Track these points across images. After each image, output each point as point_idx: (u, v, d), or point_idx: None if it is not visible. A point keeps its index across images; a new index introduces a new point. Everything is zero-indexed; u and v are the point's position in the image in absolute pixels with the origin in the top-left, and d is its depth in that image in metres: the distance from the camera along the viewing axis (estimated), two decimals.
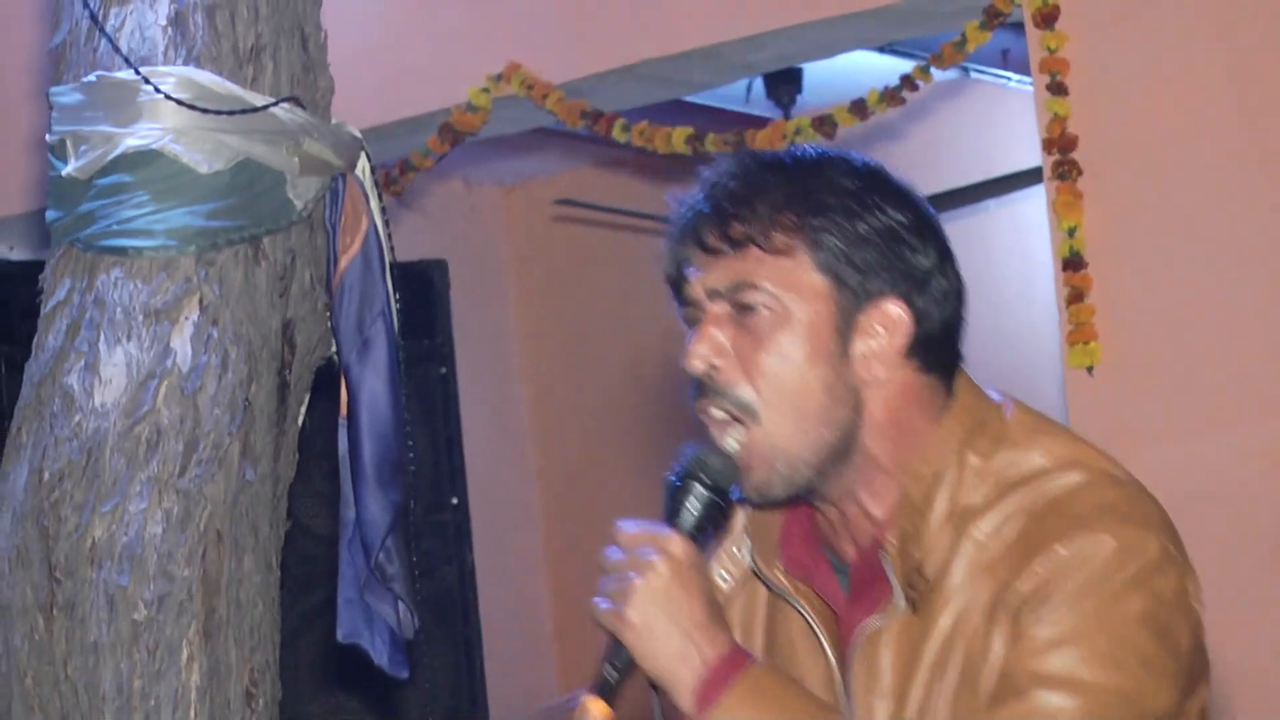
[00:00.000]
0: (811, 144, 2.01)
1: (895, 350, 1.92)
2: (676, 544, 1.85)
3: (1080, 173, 4.20)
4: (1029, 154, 4.70)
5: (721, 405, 1.90)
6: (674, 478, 1.89)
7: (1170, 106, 4.10)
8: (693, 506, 1.88)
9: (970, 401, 1.96)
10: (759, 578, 2.01)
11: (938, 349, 1.95)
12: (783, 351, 1.90)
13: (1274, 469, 3.91)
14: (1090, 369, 4.16)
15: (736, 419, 1.90)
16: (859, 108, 4.72)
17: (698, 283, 1.93)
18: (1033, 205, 4.84)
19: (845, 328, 1.91)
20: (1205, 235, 4.05)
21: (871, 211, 1.92)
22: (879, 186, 1.94)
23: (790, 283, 1.91)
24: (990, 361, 6.32)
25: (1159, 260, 4.10)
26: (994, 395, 1.99)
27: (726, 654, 1.83)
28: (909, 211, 1.94)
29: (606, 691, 1.83)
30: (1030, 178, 5.00)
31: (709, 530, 1.89)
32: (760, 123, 5.01)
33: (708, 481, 1.89)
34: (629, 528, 1.86)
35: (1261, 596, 3.91)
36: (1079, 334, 4.17)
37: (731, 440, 1.90)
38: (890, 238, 1.92)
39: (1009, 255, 6.22)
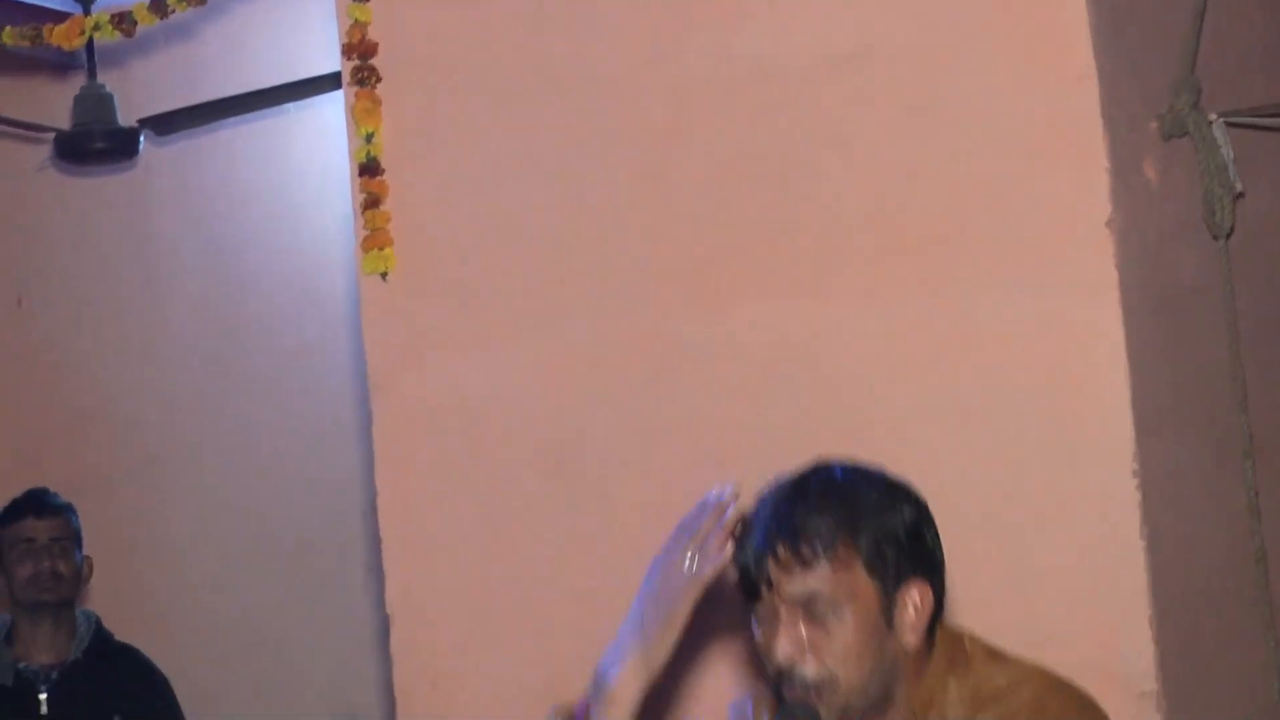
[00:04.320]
0: (836, 462, 2.70)
1: (923, 621, 2.62)
2: None
3: (379, 79, 4.20)
4: (329, 59, 4.67)
5: (804, 687, 2.57)
6: None
7: (470, 16, 4.14)
8: None
9: (946, 637, 2.66)
10: None
11: (941, 612, 2.67)
12: (846, 640, 2.57)
13: (554, 379, 4.01)
14: (384, 275, 4.18)
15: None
16: (159, 6, 4.63)
17: (774, 593, 2.59)
18: (332, 110, 4.82)
19: (888, 609, 2.60)
20: (500, 147, 4.11)
21: (896, 514, 2.61)
22: (893, 491, 2.64)
23: (849, 590, 2.58)
24: (286, 272, 6.31)
25: (455, 169, 4.14)
26: (952, 627, 2.70)
27: None
28: (916, 506, 2.65)
29: None
30: (330, 82, 4.98)
31: None
32: (60, 17, 4.89)
33: None
34: None
35: (540, 503, 4.01)
36: (373, 240, 4.18)
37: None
38: (911, 532, 2.62)
39: (308, 160, 6.20)
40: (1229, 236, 3.87)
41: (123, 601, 6.04)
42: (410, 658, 4.11)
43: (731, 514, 2.68)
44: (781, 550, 2.58)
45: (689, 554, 2.65)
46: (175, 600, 6.43)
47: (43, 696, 5.04)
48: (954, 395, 3.64)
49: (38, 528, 5.14)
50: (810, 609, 2.58)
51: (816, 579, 2.57)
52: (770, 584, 2.59)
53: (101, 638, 5.19)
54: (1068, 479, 3.56)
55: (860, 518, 2.60)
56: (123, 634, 5.29)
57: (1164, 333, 3.71)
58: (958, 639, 2.69)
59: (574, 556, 3.96)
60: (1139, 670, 3.48)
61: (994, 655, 2.68)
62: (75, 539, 5.18)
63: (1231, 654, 3.84)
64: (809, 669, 2.57)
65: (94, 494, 6.00)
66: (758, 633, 2.64)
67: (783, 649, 2.58)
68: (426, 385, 4.13)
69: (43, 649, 5.09)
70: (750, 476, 3.78)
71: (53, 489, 5.33)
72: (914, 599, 2.62)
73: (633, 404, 3.89)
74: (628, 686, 2.66)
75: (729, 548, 2.65)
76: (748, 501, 2.75)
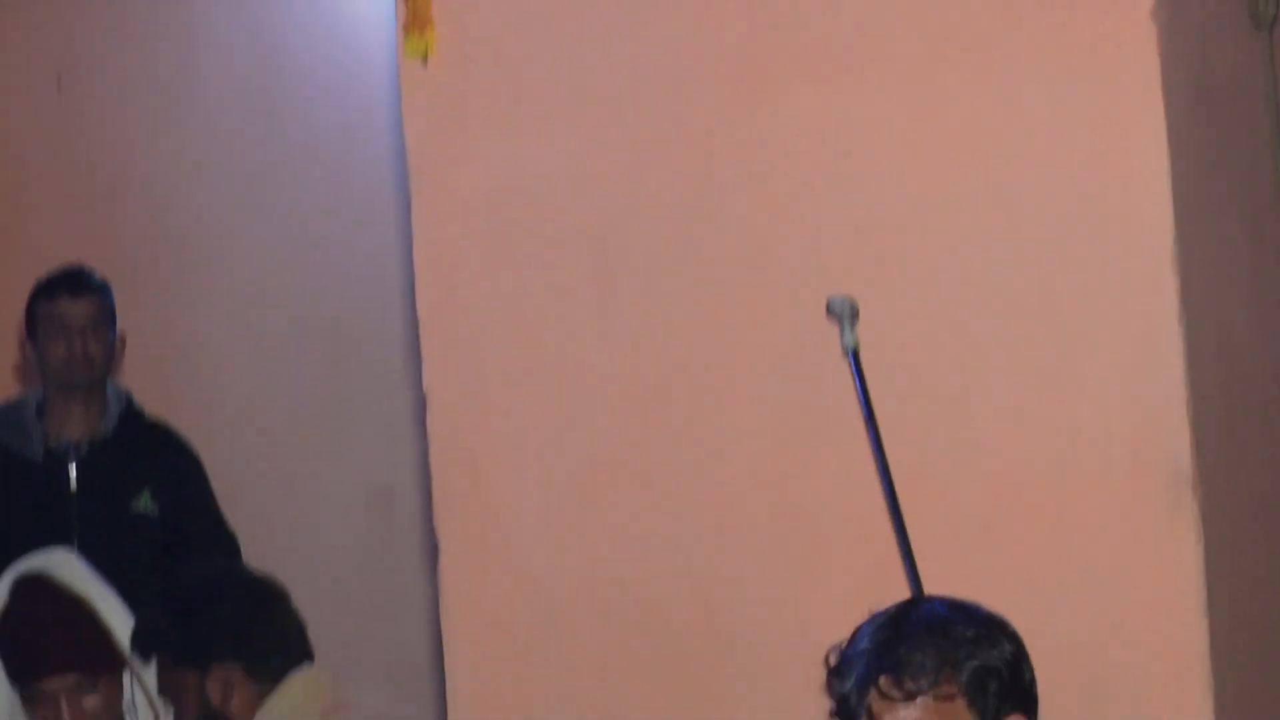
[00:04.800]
0: (935, 598, 2.82)
1: None
2: None
3: None
4: None
5: None
6: None
7: None
8: None
9: None
10: None
11: None
12: None
13: (597, 164, 4.02)
14: (425, 58, 4.17)
15: None
16: None
17: None
18: None
19: None
20: None
21: (997, 649, 2.67)
22: (992, 626, 2.70)
23: None
24: (326, 56, 6.30)
25: None
26: None
27: None
28: (1014, 641, 2.70)
29: None
30: None
31: None
32: None
33: None
34: None
35: (581, 287, 4.03)
36: (415, 22, 4.16)
37: None
38: (1011, 667, 2.67)
39: None
40: (1272, 27, 3.85)
41: (155, 382, 6.09)
42: (447, 437, 4.15)
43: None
44: (885, 683, 2.64)
45: None
46: (209, 379, 6.49)
47: (72, 472, 5.06)
48: (996, 183, 3.65)
49: (72, 307, 5.09)
50: None
51: (918, 711, 2.63)
52: (871, 716, 2.65)
53: (133, 413, 5.19)
54: (1107, 266, 3.59)
55: (961, 651, 2.66)
56: (155, 414, 5.32)
57: (1205, 123, 3.71)
58: None
59: (615, 343, 3.98)
60: (1175, 455, 3.52)
61: None
62: (109, 318, 5.16)
63: (1267, 438, 3.89)
64: None
65: (130, 274, 6.03)
66: None
67: None
68: (467, 169, 4.14)
69: (74, 424, 5.10)
70: (791, 263, 3.83)
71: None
72: None
73: (676, 189, 3.90)
74: None
75: None
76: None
